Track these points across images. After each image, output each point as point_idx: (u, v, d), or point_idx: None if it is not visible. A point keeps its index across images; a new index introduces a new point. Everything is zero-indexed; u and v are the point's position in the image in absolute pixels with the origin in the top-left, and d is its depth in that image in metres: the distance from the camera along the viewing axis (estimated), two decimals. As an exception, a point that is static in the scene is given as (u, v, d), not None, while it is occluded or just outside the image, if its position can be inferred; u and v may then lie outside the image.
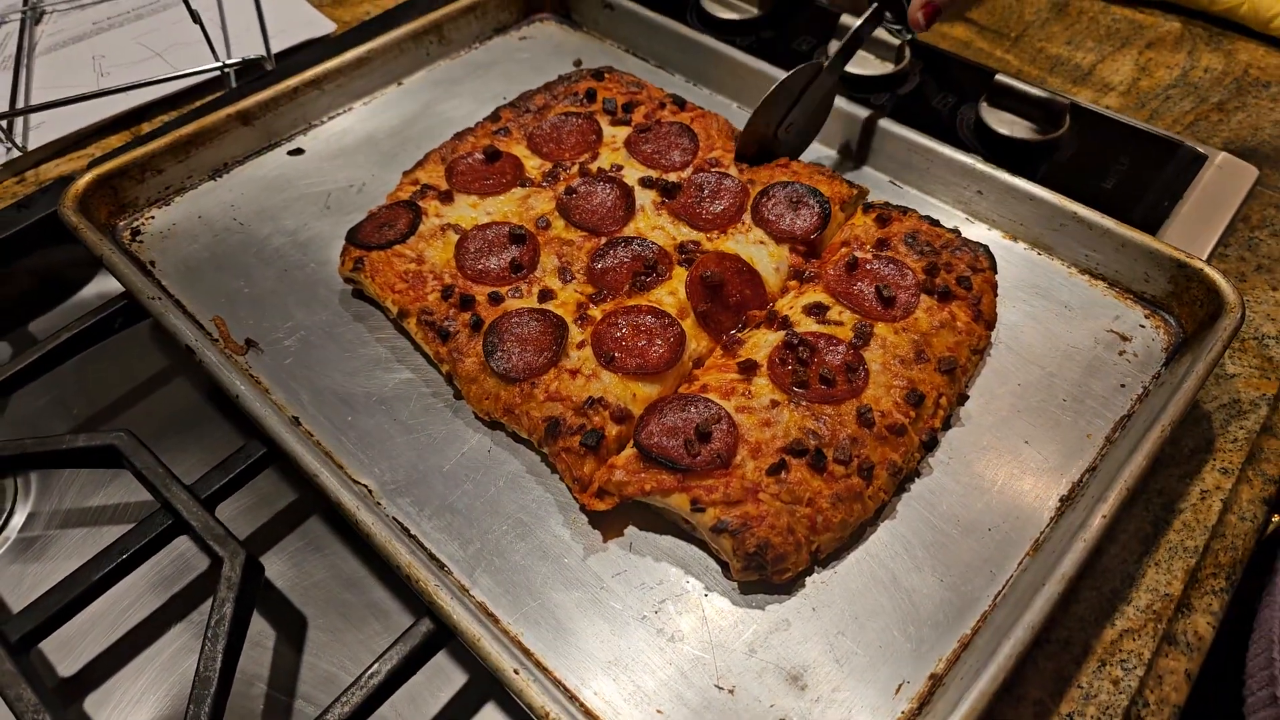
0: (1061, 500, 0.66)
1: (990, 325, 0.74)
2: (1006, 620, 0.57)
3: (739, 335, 0.73)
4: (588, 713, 0.57)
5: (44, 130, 1.00)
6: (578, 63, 1.07)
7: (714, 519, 0.61)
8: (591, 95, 0.94)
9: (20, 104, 1.03)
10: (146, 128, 1.03)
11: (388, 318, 0.81)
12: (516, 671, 0.55)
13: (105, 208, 0.87)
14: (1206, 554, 0.67)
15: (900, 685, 0.58)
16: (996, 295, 0.76)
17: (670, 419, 0.66)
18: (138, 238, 0.87)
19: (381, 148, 0.97)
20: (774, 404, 0.66)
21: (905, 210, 0.81)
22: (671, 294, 0.74)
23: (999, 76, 0.94)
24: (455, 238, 0.80)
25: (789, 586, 0.63)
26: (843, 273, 0.75)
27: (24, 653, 0.60)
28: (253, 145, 0.96)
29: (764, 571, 0.61)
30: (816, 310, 0.72)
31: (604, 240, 0.79)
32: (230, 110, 0.93)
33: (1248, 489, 0.69)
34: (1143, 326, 0.76)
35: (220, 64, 1.05)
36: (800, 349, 0.69)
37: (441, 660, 0.65)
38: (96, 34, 1.14)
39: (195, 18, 1.04)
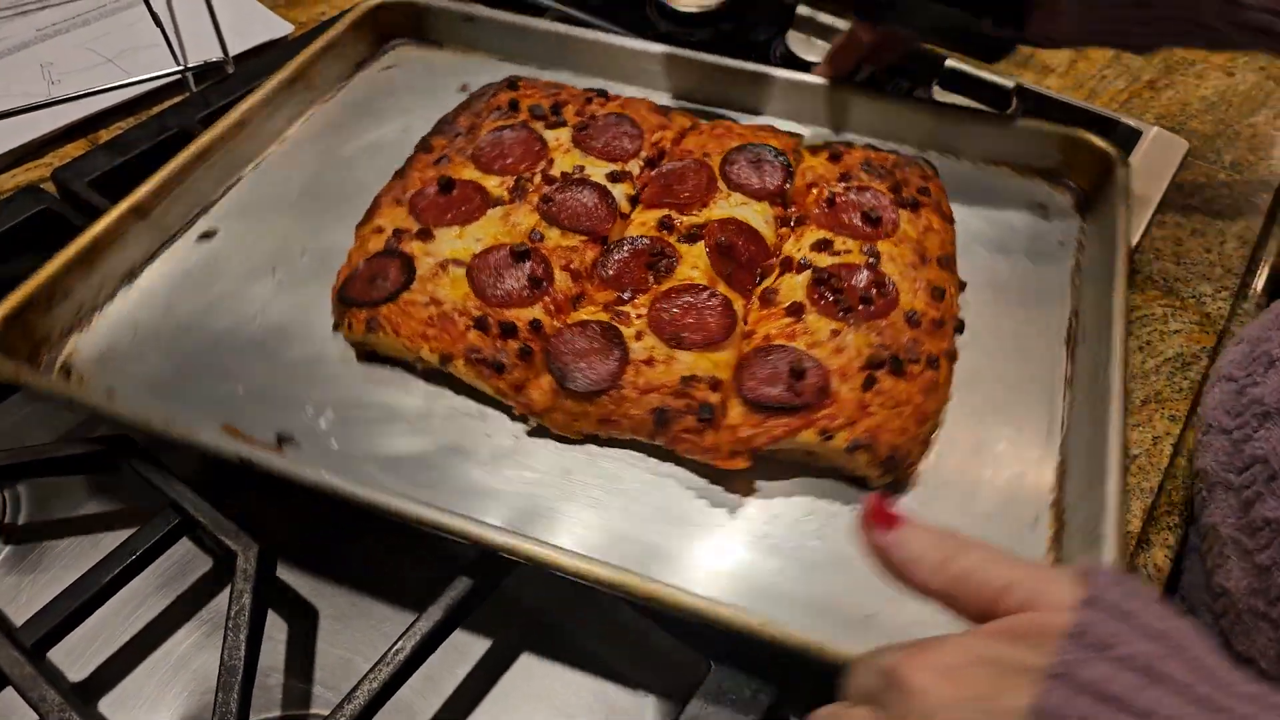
0: (1064, 344, 0.79)
1: (951, 221, 0.86)
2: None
3: (768, 285, 0.79)
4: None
5: None
6: (463, 88, 1.04)
7: (846, 440, 0.66)
8: (514, 105, 0.94)
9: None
10: (104, 135, 0.98)
11: (415, 370, 0.76)
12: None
13: (25, 349, 0.73)
14: (1161, 494, 0.74)
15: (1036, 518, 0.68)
16: (947, 196, 0.88)
17: (761, 371, 0.70)
18: (70, 376, 0.74)
19: (300, 209, 0.90)
20: (834, 333, 0.72)
21: (849, 144, 0.91)
22: (695, 268, 0.78)
23: (949, 62, 1.01)
24: (460, 272, 0.77)
25: (903, 484, 0.70)
26: (826, 210, 0.83)
27: (41, 657, 0.59)
28: (156, 240, 0.85)
29: (896, 471, 0.68)
30: (824, 246, 0.80)
31: (600, 249, 0.80)
32: (123, 206, 0.81)
33: (1194, 433, 0.75)
34: (1051, 194, 0.92)
35: (181, 67, 1.01)
36: (831, 280, 0.76)
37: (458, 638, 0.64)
38: (42, 41, 1.10)
39: (157, 21, 0.99)
